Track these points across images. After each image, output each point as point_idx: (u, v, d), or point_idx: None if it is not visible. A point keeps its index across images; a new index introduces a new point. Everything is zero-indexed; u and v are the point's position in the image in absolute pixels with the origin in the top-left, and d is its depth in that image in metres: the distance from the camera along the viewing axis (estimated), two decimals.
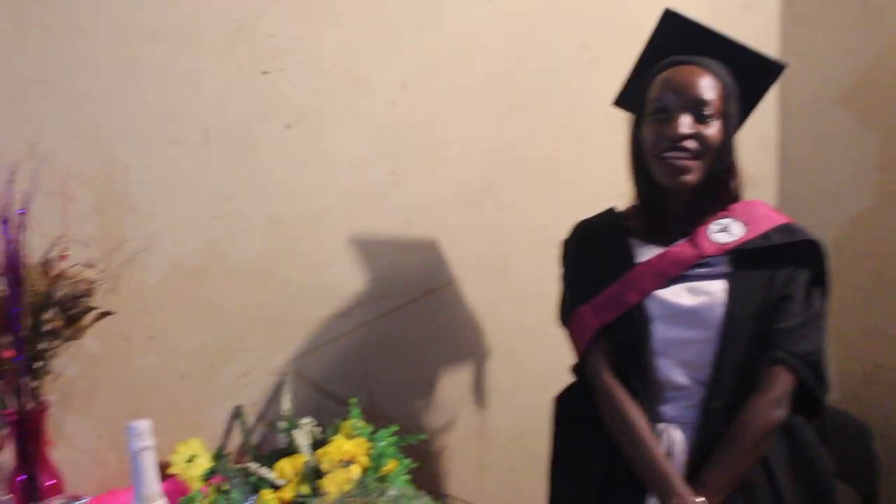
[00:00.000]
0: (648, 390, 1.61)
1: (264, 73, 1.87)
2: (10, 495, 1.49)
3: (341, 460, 1.62)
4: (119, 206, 1.76)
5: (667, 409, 1.61)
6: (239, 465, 1.71)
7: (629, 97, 1.71)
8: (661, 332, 1.59)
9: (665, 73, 1.58)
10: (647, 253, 1.64)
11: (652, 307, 1.59)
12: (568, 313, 1.74)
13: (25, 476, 1.59)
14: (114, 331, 1.75)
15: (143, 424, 1.33)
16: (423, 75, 2.03)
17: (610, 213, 1.76)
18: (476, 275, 2.16)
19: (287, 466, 1.64)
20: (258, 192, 1.88)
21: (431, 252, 2.09)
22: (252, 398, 1.94)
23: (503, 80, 2.12)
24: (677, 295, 1.59)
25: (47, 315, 1.53)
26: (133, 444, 1.33)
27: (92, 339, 1.70)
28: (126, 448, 1.82)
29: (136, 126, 1.77)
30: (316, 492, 1.61)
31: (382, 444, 1.67)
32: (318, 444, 1.74)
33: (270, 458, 1.73)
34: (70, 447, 1.78)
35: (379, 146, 2.00)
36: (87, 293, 1.57)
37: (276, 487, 1.63)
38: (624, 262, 1.65)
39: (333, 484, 1.58)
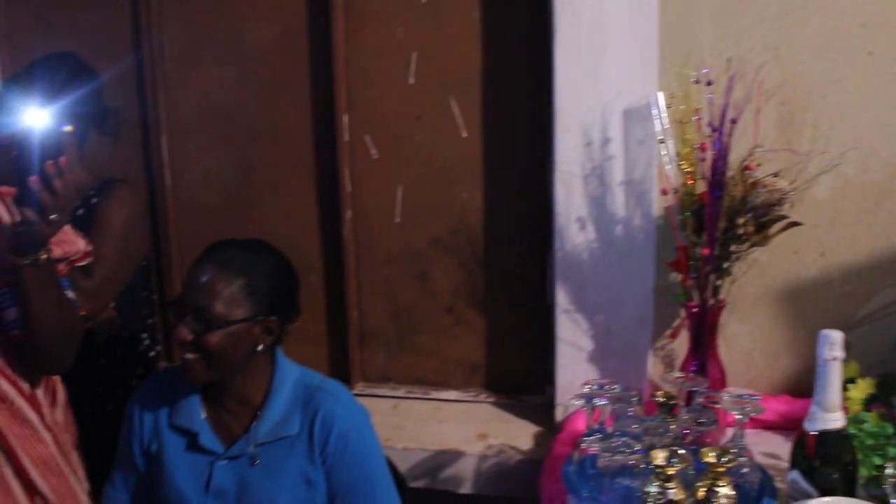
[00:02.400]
0: None
1: None
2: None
3: None
4: (801, 120, 1.78)
5: None
6: None
7: None
8: None
9: None
10: None
11: None
12: None
13: (697, 364, 1.74)
14: (785, 243, 1.78)
15: (836, 335, 1.34)
16: None
17: None
18: None
19: None
20: None
21: None
22: None
23: None
24: None
25: (741, 220, 1.62)
26: (823, 353, 1.35)
27: (762, 249, 1.76)
28: (775, 356, 1.88)
29: (828, 39, 1.74)
30: None
31: None
32: None
33: None
34: (728, 346, 1.89)
35: None
36: (779, 203, 1.62)
37: None
38: None
39: None
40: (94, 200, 1.84)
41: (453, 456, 1.99)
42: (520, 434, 2.05)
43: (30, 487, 1.46)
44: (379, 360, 2.27)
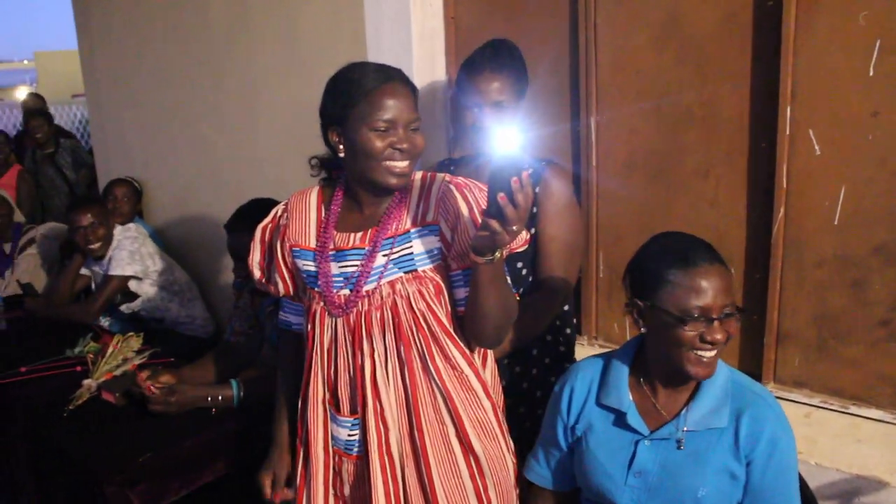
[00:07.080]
0: None
1: None
2: None
3: None
4: None
5: None
6: None
7: None
8: None
9: None
10: None
11: None
12: None
13: None
14: None
15: None
16: None
17: None
18: None
19: None
20: None
21: None
22: None
23: None
24: None
25: None
26: None
27: None
28: None
29: None
30: None
31: None
32: None
33: None
34: None
35: None
36: None
37: None
38: None
39: None
40: (538, 189, 1.89)
41: (874, 484, 1.84)
42: None
43: (466, 447, 1.63)
44: (794, 364, 2.15)
